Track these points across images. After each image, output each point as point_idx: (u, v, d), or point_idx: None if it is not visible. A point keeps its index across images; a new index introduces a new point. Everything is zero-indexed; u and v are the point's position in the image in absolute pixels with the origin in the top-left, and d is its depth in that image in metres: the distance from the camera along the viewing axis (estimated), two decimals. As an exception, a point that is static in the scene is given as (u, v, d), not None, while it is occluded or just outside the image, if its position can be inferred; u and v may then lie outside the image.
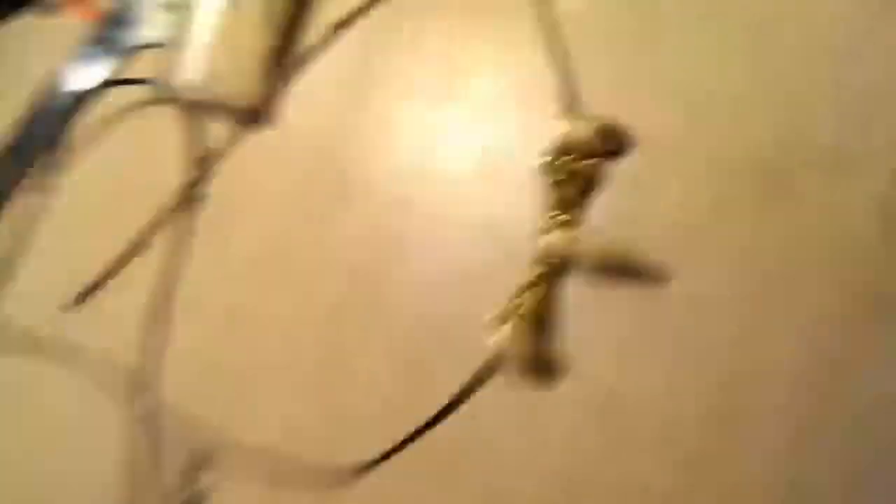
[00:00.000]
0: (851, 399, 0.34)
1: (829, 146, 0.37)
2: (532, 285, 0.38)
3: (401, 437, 0.39)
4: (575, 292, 0.38)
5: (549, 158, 0.39)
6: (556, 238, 0.38)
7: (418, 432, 0.39)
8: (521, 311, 0.37)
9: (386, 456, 0.39)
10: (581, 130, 0.38)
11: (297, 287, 0.44)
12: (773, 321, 0.35)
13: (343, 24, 0.48)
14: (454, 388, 0.38)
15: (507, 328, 0.37)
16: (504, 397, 0.38)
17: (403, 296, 0.42)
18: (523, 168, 0.41)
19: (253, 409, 0.43)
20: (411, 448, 0.39)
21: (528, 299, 0.37)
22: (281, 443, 0.41)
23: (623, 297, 0.37)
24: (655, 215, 0.38)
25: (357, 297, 0.43)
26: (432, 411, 0.39)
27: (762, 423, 0.34)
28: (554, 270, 0.38)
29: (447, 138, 0.44)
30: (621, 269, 0.37)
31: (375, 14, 0.47)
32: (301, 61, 0.48)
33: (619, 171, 0.39)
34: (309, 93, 0.48)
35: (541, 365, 0.37)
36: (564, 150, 0.39)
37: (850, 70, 0.38)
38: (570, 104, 0.40)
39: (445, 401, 0.38)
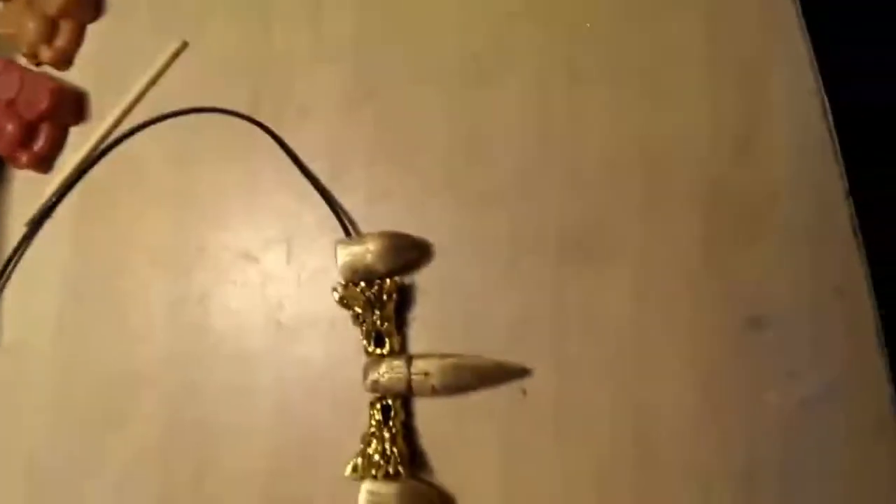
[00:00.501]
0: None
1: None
2: (377, 430, 0.34)
3: None
4: (432, 421, 0.36)
5: (339, 291, 0.36)
6: (379, 374, 0.34)
7: None
8: (375, 461, 0.34)
9: None
10: (363, 252, 0.36)
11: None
12: (652, 379, 0.35)
13: (40, 217, 0.40)
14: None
15: (366, 485, 0.33)
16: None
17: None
18: (320, 308, 0.37)
19: None
20: None
21: (378, 447, 0.34)
22: None
23: (486, 408, 0.35)
24: (483, 315, 0.37)
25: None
26: None
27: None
28: (394, 407, 0.35)
29: (215, 306, 0.39)
30: (472, 381, 0.35)
31: (77, 197, 0.41)
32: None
33: (425, 282, 0.37)
34: (23, 302, 0.40)
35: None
36: (352, 277, 0.36)
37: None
38: (345, 227, 0.37)
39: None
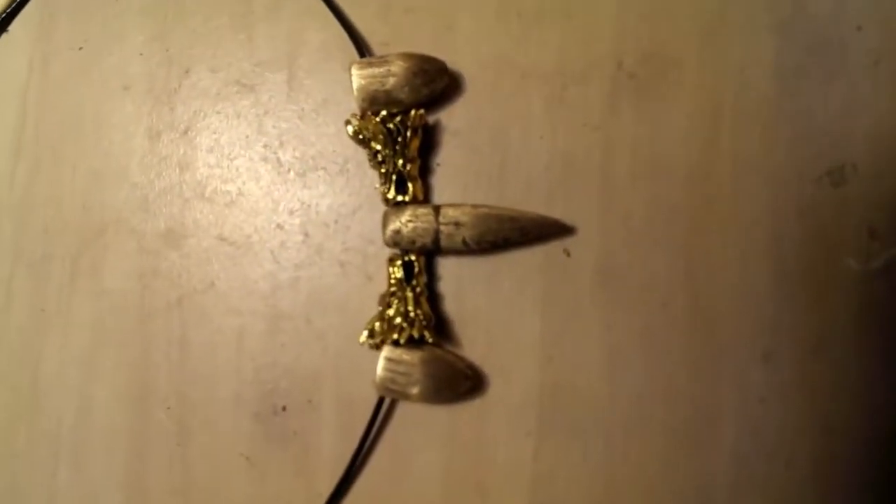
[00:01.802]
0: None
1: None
2: (398, 289, 0.29)
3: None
4: (460, 285, 0.30)
5: (353, 124, 0.29)
6: (402, 223, 0.29)
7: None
8: (396, 324, 0.29)
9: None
10: (383, 75, 0.29)
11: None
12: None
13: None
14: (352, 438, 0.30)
15: (385, 351, 0.28)
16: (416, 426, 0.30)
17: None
18: (328, 146, 0.31)
19: None
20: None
21: (400, 307, 0.29)
22: None
23: (521, 271, 0.30)
24: (519, 160, 0.31)
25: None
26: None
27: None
28: (418, 264, 0.29)
29: (202, 141, 0.32)
30: (510, 236, 0.29)
31: (34, 8, 0.34)
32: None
33: (453, 121, 0.31)
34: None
35: (446, 376, 0.29)
36: (369, 107, 0.29)
37: None
38: (359, 48, 0.31)
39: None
